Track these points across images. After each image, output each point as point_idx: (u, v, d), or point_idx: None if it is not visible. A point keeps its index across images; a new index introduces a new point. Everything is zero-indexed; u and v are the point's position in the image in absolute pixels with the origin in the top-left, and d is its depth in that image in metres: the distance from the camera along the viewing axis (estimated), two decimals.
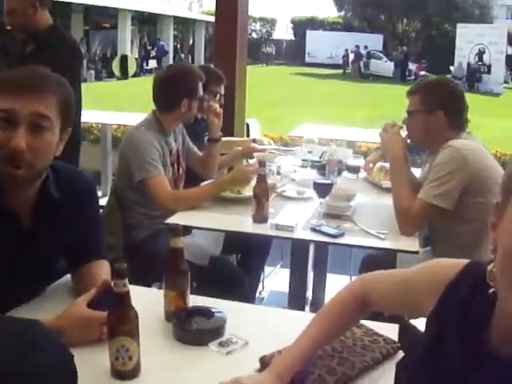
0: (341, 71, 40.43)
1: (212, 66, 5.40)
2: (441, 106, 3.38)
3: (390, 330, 2.14)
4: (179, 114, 3.91)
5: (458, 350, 1.48)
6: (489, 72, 31.47)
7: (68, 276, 2.47)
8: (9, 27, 4.45)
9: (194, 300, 2.27)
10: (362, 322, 2.10)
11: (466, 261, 1.62)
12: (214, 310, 2.16)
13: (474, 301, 1.51)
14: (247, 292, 3.91)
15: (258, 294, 4.75)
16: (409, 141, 3.53)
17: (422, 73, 35.91)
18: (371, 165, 4.49)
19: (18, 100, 2.00)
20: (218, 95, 4.67)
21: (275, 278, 5.43)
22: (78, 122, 4.67)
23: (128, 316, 1.78)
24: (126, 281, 1.76)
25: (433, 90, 3.48)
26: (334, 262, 5.17)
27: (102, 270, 2.36)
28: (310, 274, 4.25)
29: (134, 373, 1.84)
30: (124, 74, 31.92)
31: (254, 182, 3.50)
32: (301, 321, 1.91)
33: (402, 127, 3.59)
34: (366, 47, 40.26)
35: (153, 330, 2.12)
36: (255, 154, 4.72)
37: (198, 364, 1.95)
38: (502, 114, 18.70)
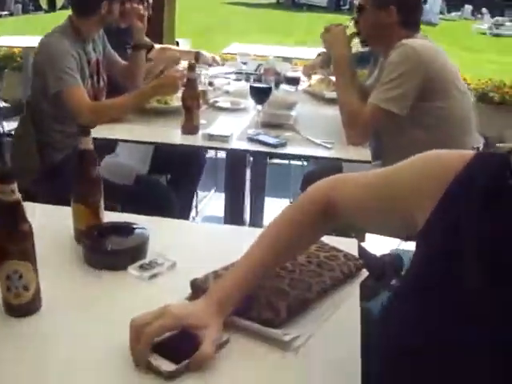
0: (274, 0, 39.83)
1: None
2: (393, 1, 3.02)
3: (348, 245, 1.78)
4: (99, 17, 3.51)
5: (477, 269, 1.08)
6: (425, 2, 31.42)
7: None
8: None
9: (110, 217, 1.85)
10: None
11: (470, 151, 1.22)
12: (133, 227, 1.76)
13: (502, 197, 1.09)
14: (178, 215, 3.55)
15: (190, 220, 4.38)
16: (358, 40, 3.19)
17: (357, 1, 35.67)
18: (311, 72, 4.16)
19: None
20: (146, 2, 4.23)
21: (209, 204, 5.10)
22: None
23: (20, 232, 1.36)
24: (14, 186, 1.32)
25: None
26: (272, 185, 4.83)
27: None
28: (247, 199, 3.92)
29: (33, 306, 1.44)
30: (51, 7, 30.98)
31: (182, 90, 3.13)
32: (238, 236, 1.61)
33: (346, 27, 3.23)
34: None
35: (59, 252, 1.72)
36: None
37: (114, 293, 1.56)
38: (438, 42, 18.66)
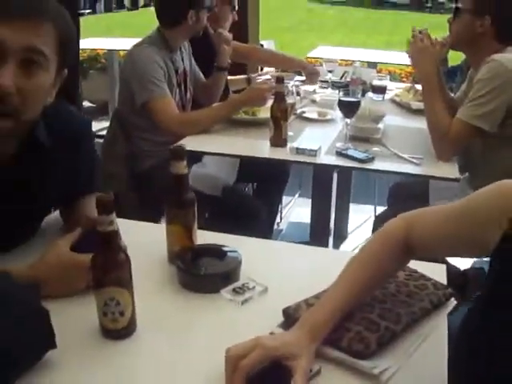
0: None
1: None
2: (491, 11, 2.97)
3: (437, 271, 1.78)
4: (186, 27, 3.55)
5: None
6: None
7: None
8: None
9: (203, 236, 1.90)
10: None
11: None
12: (226, 249, 1.80)
13: None
14: (264, 224, 3.62)
15: (275, 226, 4.42)
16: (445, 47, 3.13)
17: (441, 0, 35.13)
18: None
19: (9, 29, 1.54)
20: (235, 9, 4.31)
21: (293, 209, 5.13)
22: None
23: (117, 261, 1.42)
24: (114, 217, 1.38)
25: None
26: (357, 191, 4.83)
27: (93, 206, 1.96)
28: (333, 205, 3.94)
29: (128, 331, 1.49)
30: (134, 5, 31.44)
31: (270, 102, 3.15)
32: (327, 260, 1.61)
33: (429, 36, 3.17)
34: None
35: (153, 274, 1.77)
36: (271, 73, 4.37)
37: (207, 316, 1.60)
38: None
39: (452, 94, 3.45)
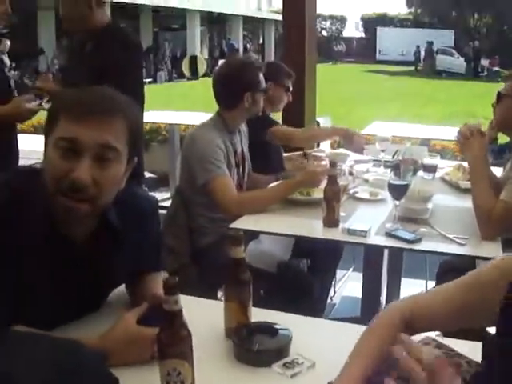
0: (412, 68, 39.85)
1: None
2: None
3: (472, 349, 1.89)
4: (243, 109, 3.75)
5: None
6: None
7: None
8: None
9: (257, 313, 2.06)
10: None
11: None
12: (278, 327, 1.96)
13: None
14: (317, 299, 3.73)
15: (329, 300, 4.54)
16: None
17: (496, 68, 35.22)
18: None
19: (83, 127, 1.76)
20: (289, 90, 4.58)
21: (347, 283, 5.23)
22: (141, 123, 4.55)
23: (180, 336, 1.59)
24: (178, 297, 1.56)
25: None
26: (409, 266, 4.92)
27: (157, 283, 2.15)
28: (384, 278, 4.04)
29: None
30: (194, 75, 32.06)
31: (324, 184, 3.31)
32: None
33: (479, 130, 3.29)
34: (431, 43, 39.45)
35: (211, 348, 1.94)
36: (326, 154, 4.54)
37: None
38: None
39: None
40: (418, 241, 2.99)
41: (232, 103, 3.73)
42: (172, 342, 1.58)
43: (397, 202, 3.20)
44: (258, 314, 2.05)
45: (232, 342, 1.91)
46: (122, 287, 2.26)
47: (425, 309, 1.67)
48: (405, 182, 3.17)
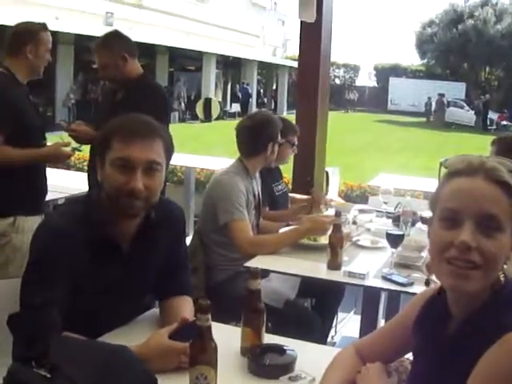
0: (424, 119, 40.11)
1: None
2: None
3: None
4: (264, 157, 4.20)
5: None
6: None
7: (153, 310, 2.73)
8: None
9: (269, 338, 2.47)
10: None
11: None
12: (285, 348, 2.36)
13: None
14: (319, 336, 4.03)
15: (329, 339, 4.87)
16: None
17: (504, 122, 35.48)
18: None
19: (132, 148, 2.31)
20: (294, 145, 5.02)
21: (348, 324, 5.53)
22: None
23: (209, 347, 1.99)
24: (209, 316, 1.97)
25: (506, 150, 3.61)
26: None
27: (186, 306, 2.60)
28: (381, 322, 4.37)
29: None
30: (207, 117, 32.09)
31: (329, 231, 3.71)
32: None
33: None
34: (442, 95, 39.70)
35: (229, 363, 2.32)
36: (333, 203, 4.93)
37: None
38: None
39: None
40: (410, 284, 3.33)
41: (255, 152, 4.18)
42: (202, 351, 1.98)
43: (394, 250, 3.58)
44: (268, 339, 2.47)
45: (247, 358, 2.32)
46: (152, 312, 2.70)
47: (370, 341, 2.18)
48: (401, 232, 3.56)
